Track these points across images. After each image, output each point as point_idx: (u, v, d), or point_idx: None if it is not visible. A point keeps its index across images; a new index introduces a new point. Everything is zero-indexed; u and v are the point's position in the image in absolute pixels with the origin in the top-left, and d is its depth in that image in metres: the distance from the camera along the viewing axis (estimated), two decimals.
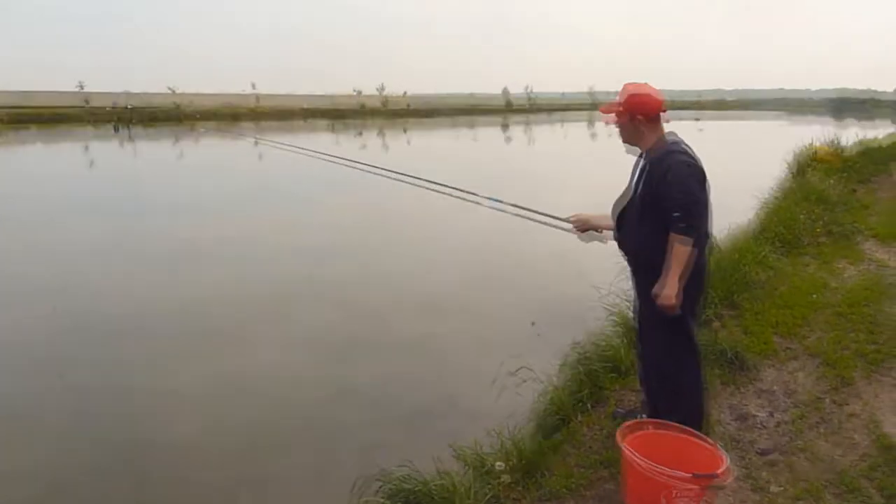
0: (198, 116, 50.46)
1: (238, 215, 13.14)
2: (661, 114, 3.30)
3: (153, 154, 27.47)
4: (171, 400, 5.21)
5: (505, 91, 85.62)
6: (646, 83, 3.35)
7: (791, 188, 11.27)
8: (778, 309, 5.66)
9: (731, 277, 5.96)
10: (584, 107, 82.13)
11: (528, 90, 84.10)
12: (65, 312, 7.04)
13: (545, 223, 3.81)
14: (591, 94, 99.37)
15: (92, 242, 10.50)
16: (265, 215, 13.17)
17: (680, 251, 3.06)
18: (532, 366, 4.59)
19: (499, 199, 4.06)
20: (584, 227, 3.76)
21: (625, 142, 3.42)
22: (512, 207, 4.00)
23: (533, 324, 6.32)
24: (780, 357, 4.81)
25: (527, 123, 54.75)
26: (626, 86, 3.34)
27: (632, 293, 3.76)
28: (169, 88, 56.59)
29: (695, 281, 3.24)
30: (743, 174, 16.04)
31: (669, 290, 3.09)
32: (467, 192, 4.41)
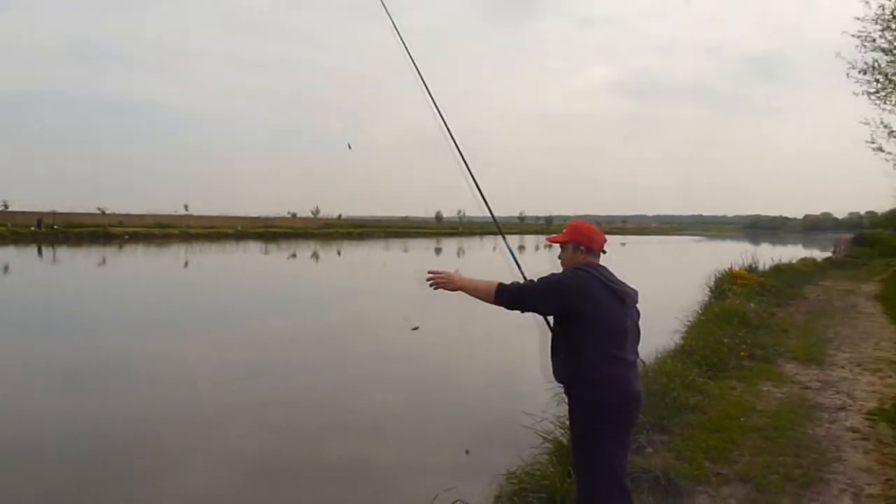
0: (126, 237, 49.80)
1: (173, 332, 12.83)
2: (601, 252, 3.47)
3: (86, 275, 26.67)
4: None
5: (438, 214, 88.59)
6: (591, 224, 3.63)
7: (713, 311, 11.68)
8: (708, 433, 5.71)
9: (661, 402, 6.01)
10: (514, 230, 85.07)
11: (461, 214, 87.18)
12: None
13: None
14: (521, 218, 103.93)
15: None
16: (200, 332, 12.97)
17: (485, 287, 3.32)
18: (467, 497, 4.46)
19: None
20: None
21: (563, 267, 3.52)
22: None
23: (468, 452, 6.19)
24: (712, 482, 4.80)
25: (459, 240, 56.01)
26: (572, 222, 3.59)
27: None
28: (99, 209, 56.06)
29: (622, 411, 3.18)
30: (663, 292, 16.58)
31: (451, 281, 3.36)
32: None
